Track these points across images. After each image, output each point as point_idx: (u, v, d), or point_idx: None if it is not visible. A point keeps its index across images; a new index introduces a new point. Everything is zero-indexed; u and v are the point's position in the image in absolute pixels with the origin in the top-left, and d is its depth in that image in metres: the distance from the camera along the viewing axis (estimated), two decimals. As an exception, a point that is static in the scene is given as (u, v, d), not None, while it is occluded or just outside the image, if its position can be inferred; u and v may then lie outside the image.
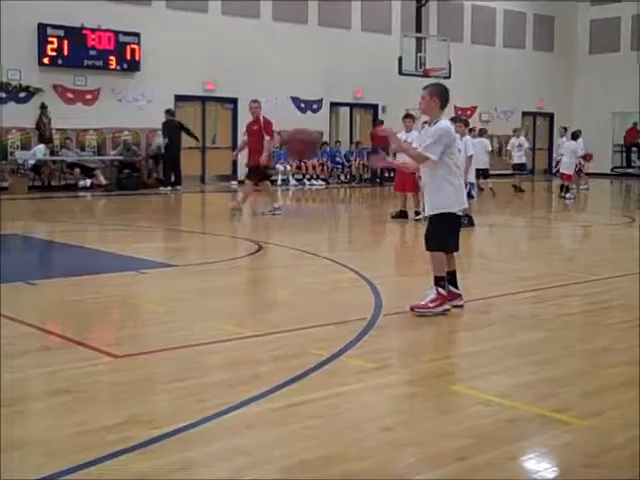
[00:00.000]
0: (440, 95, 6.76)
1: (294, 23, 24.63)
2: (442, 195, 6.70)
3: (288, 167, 23.79)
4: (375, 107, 26.92)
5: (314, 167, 24.43)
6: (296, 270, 9.19)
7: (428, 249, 6.82)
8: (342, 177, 25.22)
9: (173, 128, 21.27)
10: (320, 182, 24.26)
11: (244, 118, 24.13)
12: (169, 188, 20.95)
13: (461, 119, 13.94)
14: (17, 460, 3.73)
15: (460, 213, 7.07)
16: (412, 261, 10.24)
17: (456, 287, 6.92)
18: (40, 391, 4.84)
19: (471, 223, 12.91)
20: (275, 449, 3.87)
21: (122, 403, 4.51)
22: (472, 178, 13.33)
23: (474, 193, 13.53)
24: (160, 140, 21.32)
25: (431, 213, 6.83)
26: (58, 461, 3.67)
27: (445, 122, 6.81)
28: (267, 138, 14.88)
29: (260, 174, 15.02)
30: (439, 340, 6.22)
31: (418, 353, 5.76)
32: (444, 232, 6.75)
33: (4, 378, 4.94)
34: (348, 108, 26.93)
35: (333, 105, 26.20)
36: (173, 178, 21.42)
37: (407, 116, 14.51)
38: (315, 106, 25.54)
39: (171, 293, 7.80)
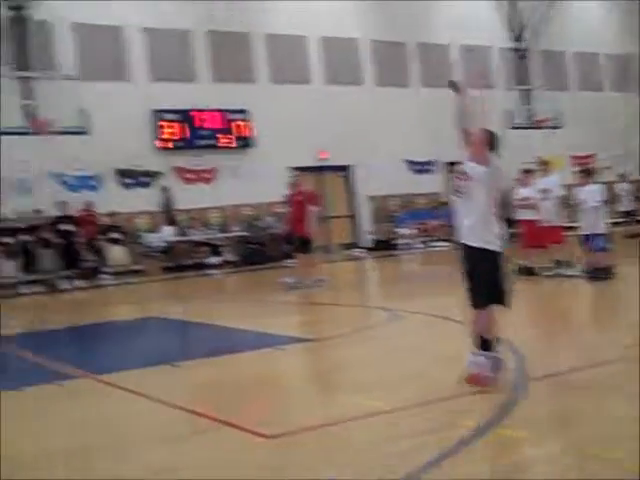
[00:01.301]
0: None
1: (397, 87, 24.81)
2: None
3: (410, 230, 23.76)
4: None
5: (435, 229, 24.31)
6: (431, 337, 9.12)
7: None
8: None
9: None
10: (443, 243, 24.08)
11: (361, 185, 24.55)
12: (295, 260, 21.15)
13: (582, 169, 13.68)
14: None
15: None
16: (550, 320, 10.03)
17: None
18: (193, 475, 4.92)
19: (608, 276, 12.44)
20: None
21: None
22: (602, 228, 12.82)
23: (604, 244, 12.89)
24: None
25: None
26: None
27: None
28: (312, 209, 14.73)
29: (304, 245, 14.78)
30: (589, 407, 6.00)
31: (570, 418, 5.59)
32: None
33: (160, 461, 5.07)
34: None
35: (448, 165, 26.12)
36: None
37: (525, 171, 14.26)
38: (429, 167, 25.54)
39: (310, 368, 7.86)
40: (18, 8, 17.58)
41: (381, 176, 24.35)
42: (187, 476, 4.99)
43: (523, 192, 13.85)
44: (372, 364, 7.91)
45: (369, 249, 23.72)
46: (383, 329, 9.91)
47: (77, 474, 5.01)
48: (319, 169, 24.04)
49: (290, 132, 22.78)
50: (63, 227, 18.09)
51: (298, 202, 14.74)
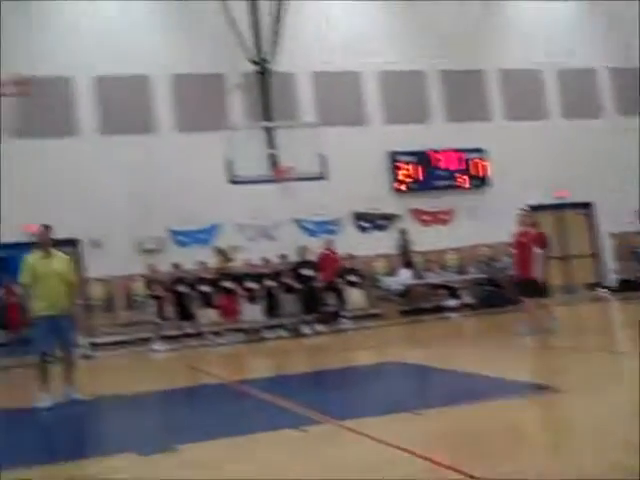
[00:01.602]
0: None
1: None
2: None
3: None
4: None
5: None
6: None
7: None
8: None
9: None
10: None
11: (603, 222, 23.53)
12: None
13: None
14: None
15: None
16: None
17: None
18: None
19: None
20: None
21: None
22: None
23: None
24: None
25: None
26: None
27: None
28: (537, 251, 14.03)
29: (531, 289, 14.01)
30: None
31: None
32: None
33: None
34: None
35: None
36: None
37: None
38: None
39: (556, 421, 7.51)
40: (261, 62, 18.51)
41: (623, 212, 23.25)
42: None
43: None
44: (625, 419, 7.42)
45: (614, 290, 22.60)
46: (634, 380, 9.28)
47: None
48: (558, 207, 23.35)
49: (527, 169, 22.32)
50: (304, 272, 18.58)
51: (522, 244, 14.20)
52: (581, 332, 16.07)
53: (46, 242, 10.55)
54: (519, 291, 14.48)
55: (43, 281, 10.32)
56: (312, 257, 19.20)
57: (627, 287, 22.26)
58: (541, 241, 14.27)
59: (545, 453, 6.36)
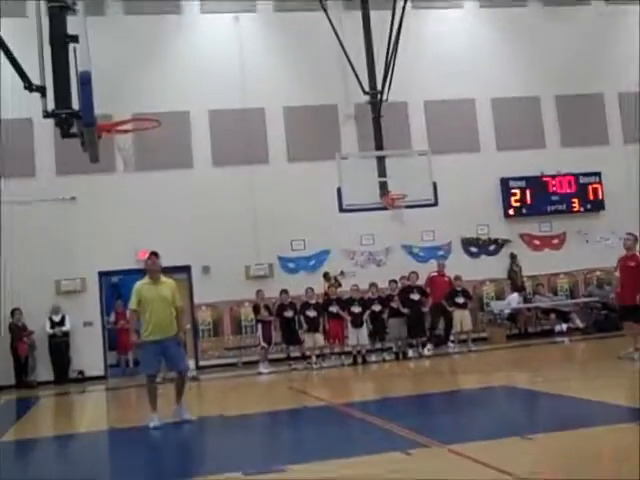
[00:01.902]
0: None
1: None
2: None
3: None
4: None
5: None
6: None
7: None
8: None
9: None
10: None
11: None
12: None
13: None
14: None
15: None
16: None
17: None
18: None
19: None
20: None
21: None
22: None
23: None
24: None
25: None
26: None
27: None
28: None
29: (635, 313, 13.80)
30: None
31: None
32: None
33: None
34: None
35: None
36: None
37: None
38: None
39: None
40: (374, 92, 18.70)
41: None
42: None
43: None
44: None
45: None
46: None
47: None
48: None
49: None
50: (412, 296, 18.51)
51: (630, 268, 14.00)
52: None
53: (154, 269, 10.83)
54: (625, 315, 14.30)
55: (150, 306, 10.60)
56: (420, 282, 19.08)
57: None
58: None
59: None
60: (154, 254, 10.89)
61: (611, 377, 12.57)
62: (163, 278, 10.93)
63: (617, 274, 14.62)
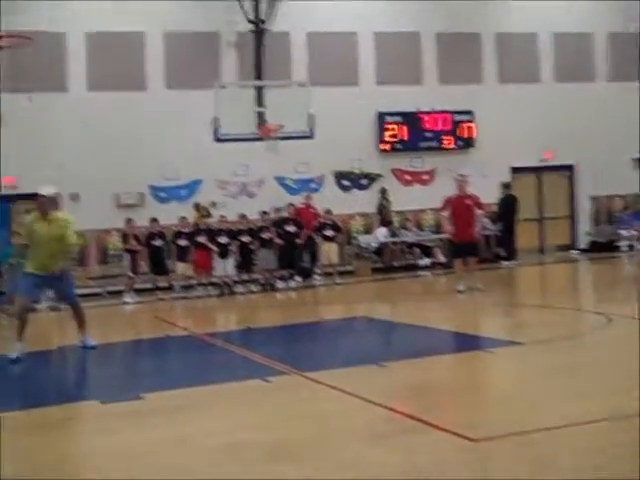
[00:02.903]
0: None
1: (632, 81, 23.57)
2: None
3: (633, 232, 22.59)
4: None
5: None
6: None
7: None
8: None
9: (511, 202, 21.22)
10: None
11: (583, 185, 23.67)
12: (515, 262, 20.71)
13: None
14: None
15: None
16: None
17: None
18: (401, 474, 4.87)
19: None
20: None
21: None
22: None
23: None
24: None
25: None
26: None
27: None
28: (480, 212, 15.36)
29: (475, 250, 15.29)
30: None
31: None
32: None
33: (368, 460, 5.06)
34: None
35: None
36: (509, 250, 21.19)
37: None
38: (658, 165, 24.17)
39: (520, 373, 7.62)
40: (257, 21, 18.34)
41: (606, 176, 23.31)
42: (393, 473, 4.96)
43: None
44: (586, 370, 7.55)
45: (586, 251, 22.80)
46: (598, 335, 9.44)
47: (281, 465, 5.08)
48: (540, 169, 23.35)
49: (514, 132, 22.27)
50: (287, 228, 18.58)
51: (467, 206, 15.04)
52: (545, 290, 16.37)
53: (42, 209, 10.32)
54: (459, 252, 15.33)
55: (38, 243, 10.22)
56: (292, 214, 19.16)
57: (597, 249, 22.50)
58: (481, 204, 15.42)
59: (507, 403, 6.46)
60: (41, 195, 10.37)
61: (470, 308, 13.12)
62: (57, 214, 10.47)
63: (445, 214, 15.53)
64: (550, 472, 4.67)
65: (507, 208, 21.22)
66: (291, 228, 18.56)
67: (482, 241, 20.95)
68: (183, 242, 17.85)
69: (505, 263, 20.67)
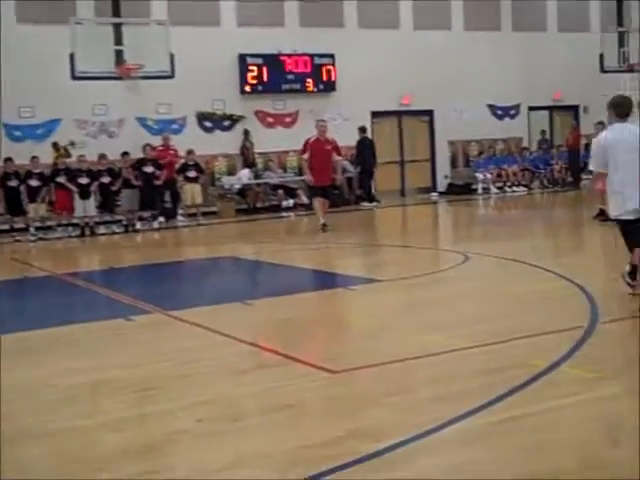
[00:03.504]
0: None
1: (487, 31, 24.28)
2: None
3: (488, 175, 23.44)
4: (575, 108, 26.04)
5: (515, 174, 23.92)
6: (504, 279, 9.02)
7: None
8: (544, 182, 24.55)
9: (368, 145, 21.59)
10: (521, 188, 23.71)
11: (441, 129, 24.30)
12: (374, 204, 21.11)
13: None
14: (244, 473, 3.88)
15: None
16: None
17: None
18: (263, 406, 5.01)
19: None
20: (502, 463, 3.80)
21: (343, 417, 4.58)
22: None
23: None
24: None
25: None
26: (285, 474, 3.78)
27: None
28: (338, 158, 15.95)
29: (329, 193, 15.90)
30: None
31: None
32: None
33: (231, 394, 5.16)
34: (547, 112, 26.20)
35: (531, 109, 25.59)
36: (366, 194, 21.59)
37: None
38: (512, 112, 25.06)
39: (380, 308, 7.87)
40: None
41: (463, 121, 24.00)
42: (251, 404, 5.08)
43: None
44: (444, 305, 7.88)
45: (445, 193, 23.55)
46: (457, 271, 9.83)
47: (143, 402, 5.10)
48: (400, 113, 23.78)
49: (374, 77, 22.49)
50: (145, 169, 18.27)
51: (327, 151, 15.40)
52: (412, 231, 16.84)
53: None
54: (318, 193, 15.68)
55: None
56: (153, 154, 18.85)
57: (455, 191, 23.29)
58: (339, 149, 15.91)
59: (367, 337, 6.66)
60: None
61: (333, 249, 13.36)
62: None
63: (305, 156, 15.79)
64: (405, 396, 4.88)
65: (364, 151, 21.57)
66: (149, 169, 18.28)
67: (344, 184, 21.35)
68: (35, 182, 17.30)
69: (365, 204, 21.10)
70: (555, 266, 9.23)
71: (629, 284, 7.34)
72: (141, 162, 18.38)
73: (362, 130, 21.84)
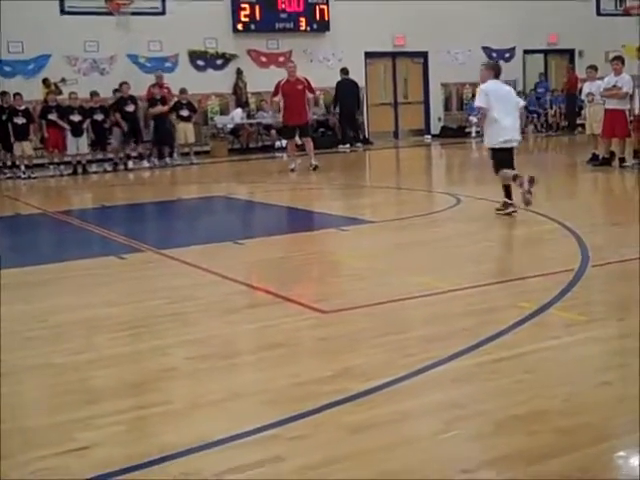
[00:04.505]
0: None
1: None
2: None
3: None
4: (571, 52, 25.84)
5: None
6: (496, 222, 9.03)
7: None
8: (538, 126, 24.46)
9: (349, 87, 21.23)
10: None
11: (435, 72, 24.10)
12: (347, 146, 20.89)
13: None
14: (236, 408, 3.93)
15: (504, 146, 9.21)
16: (617, 210, 9.85)
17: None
18: (254, 345, 5.06)
19: None
20: (485, 403, 3.84)
21: (332, 357, 4.62)
22: None
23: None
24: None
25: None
26: (276, 410, 3.82)
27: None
28: (311, 95, 16.38)
29: (307, 131, 16.36)
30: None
31: (631, 305, 5.49)
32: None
33: (222, 332, 5.20)
34: (542, 55, 26.00)
35: (526, 52, 25.37)
36: (352, 135, 21.37)
37: (616, 58, 13.99)
38: (507, 55, 24.84)
39: (371, 249, 7.88)
40: None
41: (457, 63, 23.82)
42: (242, 343, 5.12)
43: (610, 81, 13.71)
44: (435, 246, 7.91)
45: (438, 136, 23.47)
46: (449, 213, 9.84)
47: (133, 339, 5.13)
48: (394, 55, 23.56)
49: (368, 17, 22.20)
50: (127, 108, 18.07)
51: (299, 91, 15.79)
52: (404, 174, 16.82)
53: None
54: (292, 133, 16.18)
55: None
56: (142, 92, 18.68)
57: (448, 134, 23.20)
58: (311, 87, 16.22)
59: (359, 278, 6.69)
60: None
61: (325, 189, 13.36)
62: None
63: (277, 98, 16.12)
64: (395, 337, 4.91)
65: (343, 94, 21.20)
66: (130, 107, 18.08)
67: (337, 125, 21.25)
68: (20, 120, 17.10)
69: (345, 147, 20.79)
70: (546, 210, 9.23)
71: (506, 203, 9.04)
72: (121, 101, 18.14)
73: (344, 72, 21.35)
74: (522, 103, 10.05)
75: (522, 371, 4.21)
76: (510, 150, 9.28)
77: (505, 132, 9.12)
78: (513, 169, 9.13)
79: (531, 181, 8.68)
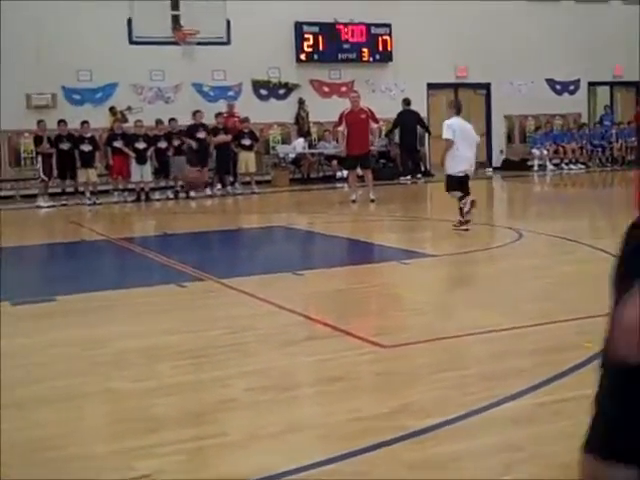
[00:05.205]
0: None
1: (548, 1, 23.83)
2: None
3: (545, 152, 23.11)
4: (637, 84, 25.49)
5: (573, 151, 23.54)
6: (558, 259, 8.91)
7: None
8: (603, 160, 24.13)
9: (410, 118, 21.26)
10: (579, 166, 23.34)
11: (498, 103, 23.98)
12: (408, 177, 20.90)
13: None
14: (294, 441, 3.91)
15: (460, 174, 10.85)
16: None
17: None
18: (313, 378, 5.04)
19: None
20: (546, 446, 3.76)
21: (391, 392, 4.59)
22: None
23: None
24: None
25: None
26: (333, 445, 3.80)
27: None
28: (375, 125, 16.46)
29: (369, 162, 16.31)
30: None
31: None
32: None
33: (281, 364, 5.19)
34: (608, 87, 25.70)
35: (591, 84, 25.13)
36: (413, 166, 21.37)
37: None
38: (572, 87, 24.64)
39: (432, 283, 7.84)
40: None
41: (520, 95, 23.70)
42: (300, 375, 5.11)
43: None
44: (496, 282, 7.81)
45: (500, 168, 23.30)
46: (510, 248, 9.74)
47: (193, 369, 5.15)
48: (456, 86, 23.52)
49: (431, 48, 22.24)
50: (198, 135, 18.36)
51: (362, 120, 15.71)
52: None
53: None
54: (355, 164, 16.03)
55: None
56: (208, 121, 18.95)
57: (510, 167, 23.03)
58: (375, 117, 16.26)
59: (420, 312, 6.65)
60: None
61: (388, 221, 13.32)
62: None
63: (341, 128, 15.98)
64: (454, 373, 4.86)
65: (404, 125, 21.20)
66: (202, 134, 18.36)
67: (398, 157, 21.24)
68: (86, 147, 17.49)
69: (406, 178, 20.79)
70: (610, 247, 9.05)
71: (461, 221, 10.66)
72: (193, 128, 18.43)
73: (405, 102, 21.45)
74: (478, 139, 11.48)
75: (584, 413, 4.11)
76: (465, 177, 10.95)
77: (463, 163, 10.77)
78: (467, 192, 10.84)
79: (472, 203, 10.68)
